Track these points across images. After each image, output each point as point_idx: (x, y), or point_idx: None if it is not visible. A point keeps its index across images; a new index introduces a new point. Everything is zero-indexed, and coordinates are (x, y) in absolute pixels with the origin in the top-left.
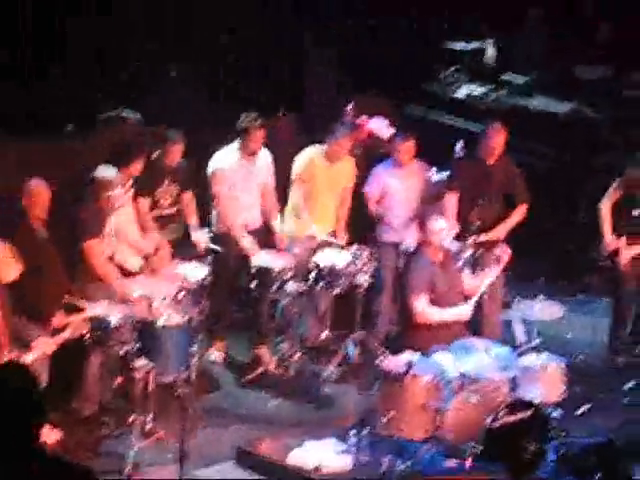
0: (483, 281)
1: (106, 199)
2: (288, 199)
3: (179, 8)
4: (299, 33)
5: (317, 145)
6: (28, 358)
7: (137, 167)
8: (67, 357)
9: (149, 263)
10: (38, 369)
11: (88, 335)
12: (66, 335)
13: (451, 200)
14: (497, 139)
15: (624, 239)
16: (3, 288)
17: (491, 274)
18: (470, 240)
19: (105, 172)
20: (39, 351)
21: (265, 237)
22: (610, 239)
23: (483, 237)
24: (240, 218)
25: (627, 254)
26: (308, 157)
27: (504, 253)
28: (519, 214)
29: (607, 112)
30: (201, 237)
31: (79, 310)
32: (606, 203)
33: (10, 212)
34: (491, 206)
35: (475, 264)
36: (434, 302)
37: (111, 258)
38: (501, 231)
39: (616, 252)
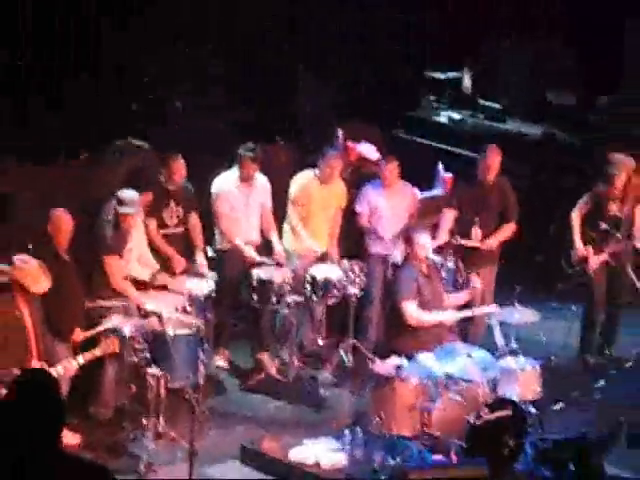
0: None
1: (130, 217)
2: (286, 217)
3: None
4: (293, 69)
5: (311, 169)
6: (54, 372)
7: (151, 193)
8: (85, 366)
9: (158, 278)
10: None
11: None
12: (97, 353)
13: (448, 216)
14: (494, 158)
15: (591, 248)
16: (34, 302)
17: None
18: (451, 253)
19: (129, 193)
20: (63, 370)
21: (265, 253)
22: (580, 247)
23: (474, 243)
24: (241, 237)
25: (595, 261)
26: (303, 181)
27: (476, 283)
28: (508, 230)
29: (576, 135)
30: (201, 260)
31: (95, 325)
32: (576, 215)
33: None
34: (488, 223)
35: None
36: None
37: (125, 277)
38: (491, 243)
39: (585, 260)
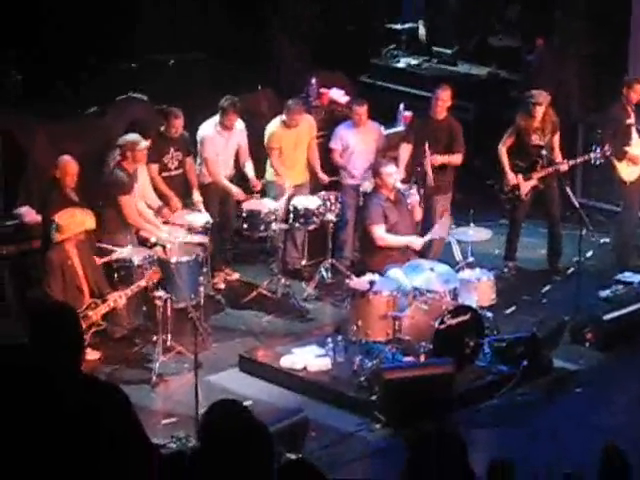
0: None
1: (138, 154)
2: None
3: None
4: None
5: (278, 117)
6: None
7: (151, 140)
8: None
9: (162, 214)
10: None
11: (116, 274)
12: (142, 284)
13: (406, 149)
14: (444, 96)
15: (521, 176)
16: (83, 247)
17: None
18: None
19: (132, 136)
20: (113, 303)
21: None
22: (510, 176)
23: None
24: (222, 173)
25: (525, 187)
26: (272, 129)
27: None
28: (455, 159)
29: (516, 74)
30: (197, 197)
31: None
32: (502, 147)
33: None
34: (437, 154)
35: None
36: (388, 231)
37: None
38: (438, 158)
39: (517, 187)
